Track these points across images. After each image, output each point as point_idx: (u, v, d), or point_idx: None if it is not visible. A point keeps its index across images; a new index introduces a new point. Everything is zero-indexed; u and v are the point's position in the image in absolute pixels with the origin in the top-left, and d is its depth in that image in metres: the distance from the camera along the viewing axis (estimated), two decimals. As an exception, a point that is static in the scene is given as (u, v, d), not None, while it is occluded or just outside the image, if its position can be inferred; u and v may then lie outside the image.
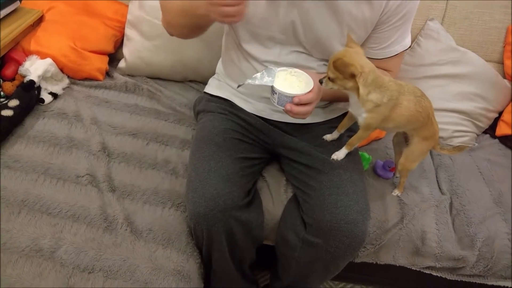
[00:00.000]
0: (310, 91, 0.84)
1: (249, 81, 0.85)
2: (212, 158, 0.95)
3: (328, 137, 1.02)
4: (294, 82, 0.86)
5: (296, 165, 1.02)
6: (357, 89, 0.84)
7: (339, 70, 0.82)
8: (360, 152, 1.13)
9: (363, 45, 0.98)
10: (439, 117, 0.99)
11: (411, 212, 1.08)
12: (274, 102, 0.86)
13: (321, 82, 0.87)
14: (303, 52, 0.96)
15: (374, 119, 0.88)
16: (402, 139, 1.05)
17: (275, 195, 1.05)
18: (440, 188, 1.17)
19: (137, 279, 0.82)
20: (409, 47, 1.01)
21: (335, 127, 1.04)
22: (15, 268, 0.79)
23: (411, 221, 1.07)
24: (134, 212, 0.93)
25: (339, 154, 0.97)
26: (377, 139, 1.29)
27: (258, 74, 0.85)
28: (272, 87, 0.85)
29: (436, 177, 1.20)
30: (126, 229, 0.89)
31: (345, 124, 1.00)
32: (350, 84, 0.84)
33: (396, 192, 1.11)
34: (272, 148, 1.07)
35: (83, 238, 0.86)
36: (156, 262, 0.86)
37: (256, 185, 1.03)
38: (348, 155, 0.98)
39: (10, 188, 0.92)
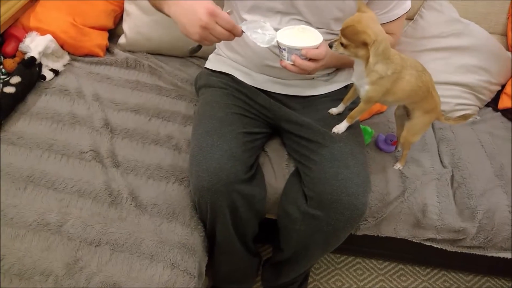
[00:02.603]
0: (318, 47, 0.84)
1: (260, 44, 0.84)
2: (214, 133, 0.95)
3: (333, 110, 1.02)
4: (301, 37, 0.85)
5: (297, 138, 1.03)
6: (367, 58, 0.81)
7: (350, 38, 0.80)
8: (362, 126, 1.13)
9: None
10: (441, 90, 0.98)
11: (413, 185, 1.09)
12: (284, 59, 0.86)
13: (330, 46, 0.85)
14: (302, 20, 0.95)
15: (376, 91, 0.87)
16: (404, 112, 1.05)
17: (277, 169, 1.06)
18: (441, 161, 1.17)
19: (143, 252, 0.84)
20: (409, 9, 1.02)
21: (336, 100, 1.04)
22: (24, 242, 0.81)
23: (412, 194, 1.08)
24: (138, 187, 0.95)
25: (340, 127, 0.97)
26: (379, 113, 1.29)
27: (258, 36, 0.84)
28: (278, 44, 0.84)
29: (438, 151, 1.21)
30: (131, 204, 0.91)
31: (350, 97, 0.99)
32: (362, 52, 0.81)
33: (398, 166, 1.11)
34: (274, 122, 1.07)
35: (89, 213, 0.88)
36: (161, 236, 0.88)
37: (258, 160, 1.04)
38: (349, 128, 0.98)
39: (16, 164, 0.93)
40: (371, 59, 0.81)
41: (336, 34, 0.98)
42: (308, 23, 0.93)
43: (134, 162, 0.99)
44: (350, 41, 0.80)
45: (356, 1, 0.92)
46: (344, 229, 0.97)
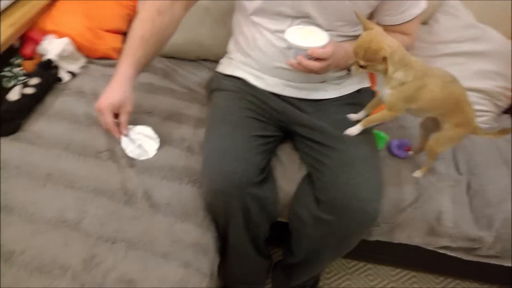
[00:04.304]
0: (324, 47, 0.85)
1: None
2: (227, 136, 0.96)
3: (353, 116, 1.01)
4: (310, 38, 0.87)
5: (309, 142, 1.03)
6: (386, 69, 0.83)
7: (371, 59, 0.82)
8: (375, 131, 1.13)
9: (378, 12, 0.97)
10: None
11: (427, 192, 1.08)
12: (290, 58, 0.88)
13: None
14: (312, 23, 0.96)
15: (397, 97, 0.87)
16: (432, 125, 1.02)
17: (288, 173, 1.07)
18: (457, 168, 1.16)
19: (157, 250, 0.85)
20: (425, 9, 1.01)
21: (348, 104, 1.04)
22: (43, 237, 0.82)
23: (427, 200, 1.07)
24: (152, 187, 0.96)
25: (353, 130, 0.97)
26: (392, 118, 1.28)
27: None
28: (287, 42, 0.87)
29: (454, 157, 1.19)
30: (145, 203, 0.92)
31: (373, 105, 0.99)
32: (381, 66, 0.83)
33: (418, 174, 1.10)
34: (286, 125, 1.08)
35: (105, 211, 0.89)
36: (175, 235, 0.89)
37: (270, 163, 1.05)
38: (361, 133, 0.97)
39: (35, 162, 0.95)
40: (389, 69, 0.82)
41: (345, 36, 0.99)
42: (318, 26, 0.94)
43: (148, 163, 1.01)
44: (370, 61, 0.83)
45: (362, 6, 0.93)
46: (355, 234, 0.97)
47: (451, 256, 1.14)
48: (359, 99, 1.08)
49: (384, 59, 0.81)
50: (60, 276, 0.78)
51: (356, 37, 1.00)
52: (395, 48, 0.81)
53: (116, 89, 0.95)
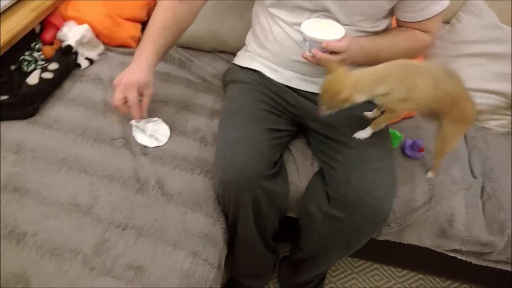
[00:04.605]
0: (340, 40, 0.85)
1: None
2: (241, 128, 0.96)
3: (369, 114, 1.00)
4: (325, 31, 0.86)
5: (323, 138, 1.02)
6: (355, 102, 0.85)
7: (335, 103, 0.84)
8: (391, 130, 1.12)
9: (398, 9, 0.95)
10: (475, 98, 0.94)
11: (440, 194, 1.07)
12: (305, 50, 0.88)
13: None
14: (331, 17, 0.95)
15: (390, 102, 0.87)
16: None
17: (301, 168, 1.06)
18: (472, 171, 1.14)
19: (167, 239, 0.86)
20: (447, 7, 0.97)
21: (365, 102, 1.03)
22: (56, 220, 0.84)
23: (439, 202, 1.06)
24: (165, 176, 0.97)
25: (362, 134, 0.96)
26: (408, 117, 1.27)
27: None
28: (302, 34, 0.86)
29: (469, 160, 1.18)
30: (157, 191, 0.93)
31: None
32: (348, 103, 0.84)
33: (430, 175, 1.09)
34: (300, 120, 1.07)
35: (117, 197, 0.90)
36: (185, 224, 0.89)
37: (282, 157, 1.04)
38: (377, 132, 0.96)
39: (51, 146, 0.97)
40: (359, 99, 0.84)
41: (364, 32, 0.98)
42: (337, 20, 0.93)
43: (161, 152, 1.01)
44: (334, 105, 0.85)
45: (381, 2, 0.92)
46: (366, 232, 0.96)
47: (460, 259, 1.12)
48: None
49: (346, 100, 0.82)
50: (71, 259, 0.79)
51: (375, 33, 0.99)
52: (360, 77, 0.83)
53: (142, 70, 0.95)
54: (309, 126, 1.06)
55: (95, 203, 0.88)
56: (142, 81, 0.94)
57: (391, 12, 0.98)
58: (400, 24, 1.01)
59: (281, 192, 0.99)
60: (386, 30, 1.02)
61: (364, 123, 0.97)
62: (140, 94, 0.96)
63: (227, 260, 0.99)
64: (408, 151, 1.14)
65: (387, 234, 1.09)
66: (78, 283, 0.76)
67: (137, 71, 0.95)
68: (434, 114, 0.95)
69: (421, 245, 1.12)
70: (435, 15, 0.96)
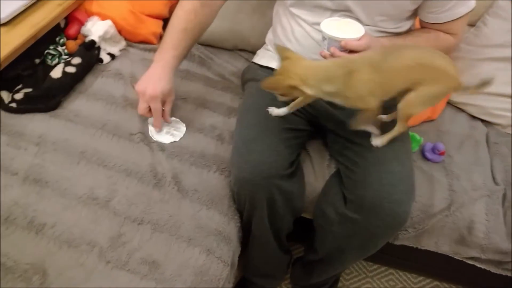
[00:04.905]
0: (360, 39, 0.83)
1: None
2: (258, 126, 0.96)
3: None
4: (345, 30, 0.85)
5: (340, 139, 1.01)
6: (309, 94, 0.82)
7: (286, 90, 0.82)
8: (410, 133, 1.10)
9: (423, 9, 0.93)
10: (499, 103, 0.90)
11: (460, 200, 1.04)
12: (324, 49, 0.87)
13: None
14: (352, 17, 0.93)
15: (345, 103, 0.85)
16: None
17: (317, 169, 1.05)
18: (494, 178, 1.11)
19: (182, 235, 0.86)
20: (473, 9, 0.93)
21: (384, 104, 1.01)
22: (74, 212, 0.86)
23: (459, 208, 1.03)
24: (181, 172, 0.97)
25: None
26: (428, 120, 1.24)
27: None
28: (322, 33, 0.85)
29: (491, 166, 1.14)
30: (174, 187, 0.93)
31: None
32: (299, 92, 0.82)
33: (377, 142, 0.94)
34: (318, 120, 1.06)
35: (134, 192, 0.91)
36: (200, 221, 0.90)
37: (299, 157, 1.03)
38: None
39: (71, 139, 0.99)
40: (308, 91, 0.81)
41: (385, 33, 0.96)
42: (358, 20, 0.91)
43: (179, 148, 1.02)
44: (286, 93, 0.83)
45: (405, 2, 0.90)
46: (383, 236, 0.95)
47: (479, 268, 1.10)
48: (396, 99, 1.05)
49: (294, 87, 0.81)
50: (87, 252, 0.80)
51: (397, 34, 0.97)
52: (307, 71, 0.81)
53: (164, 77, 0.97)
54: (326, 126, 1.05)
55: (113, 197, 0.89)
56: (165, 91, 0.97)
57: (414, 13, 0.96)
58: (424, 26, 0.99)
59: (297, 192, 0.99)
60: (408, 31, 1.00)
61: (384, 125, 0.96)
62: (163, 101, 0.98)
63: (240, 258, 0.99)
64: (428, 154, 1.12)
65: (404, 238, 1.07)
66: (93, 275, 0.77)
67: (160, 80, 0.96)
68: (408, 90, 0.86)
69: (439, 252, 1.09)
70: (461, 17, 0.93)
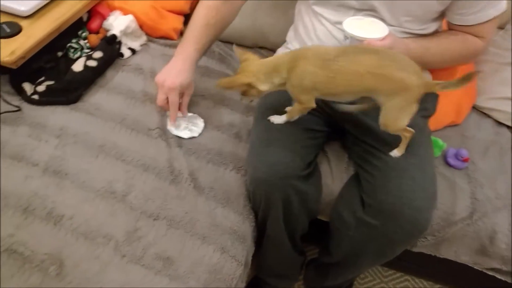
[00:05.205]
0: (383, 39, 0.81)
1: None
2: (275, 126, 0.95)
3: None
4: (368, 30, 0.82)
5: (360, 142, 0.99)
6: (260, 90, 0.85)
7: (237, 88, 0.86)
8: (433, 138, 1.07)
9: (450, 10, 0.90)
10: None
11: (483, 209, 1.01)
12: None
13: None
14: (377, 17, 0.91)
15: (291, 92, 0.86)
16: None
17: (335, 171, 1.04)
18: (519, 187, 1.07)
19: (196, 232, 0.86)
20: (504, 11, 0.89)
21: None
22: (92, 205, 0.86)
23: (481, 218, 1.00)
24: (198, 169, 0.97)
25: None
26: (452, 125, 1.20)
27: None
28: (344, 32, 0.83)
29: (517, 174, 1.10)
30: (190, 184, 0.93)
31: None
32: (255, 90, 0.85)
33: (395, 153, 0.92)
34: (337, 122, 1.04)
35: (151, 187, 0.91)
36: (215, 219, 0.89)
37: (317, 159, 1.02)
38: (419, 138, 0.91)
39: (91, 133, 1.00)
40: (262, 87, 0.84)
41: (410, 34, 0.93)
42: (382, 20, 0.89)
43: (196, 145, 1.02)
44: (241, 90, 0.86)
45: (432, 2, 0.87)
46: (401, 243, 0.93)
47: (499, 279, 1.06)
48: (421, 102, 1.01)
49: (249, 84, 0.83)
50: (103, 245, 0.81)
51: (423, 36, 0.94)
52: (259, 67, 0.84)
53: (184, 70, 0.97)
54: (346, 129, 1.03)
55: (130, 191, 0.89)
56: (184, 83, 0.97)
57: (441, 15, 0.93)
58: (451, 28, 0.96)
59: (313, 194, 0.97)
60: (434, 33, 0.97)
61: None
62: (182, 93, 0.98)
63: (254, 257, 0.98)
64: (451, 161, 1.08)
65: (423, 246, 1.04)
66: (108, 268, 0.78)
67: (180, 72, 0.97)
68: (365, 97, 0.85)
69: (458, 261, 1.06)
70: (490, 20, 0.89)
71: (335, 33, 0.96)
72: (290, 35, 1.14)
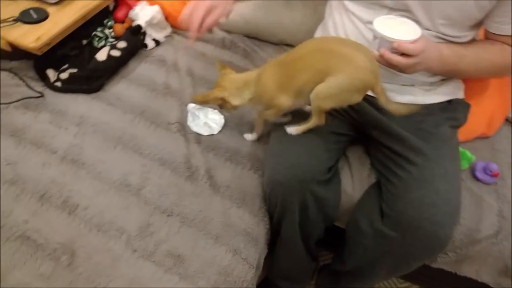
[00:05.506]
0: (414, 42, 0.76)
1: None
2: None
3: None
4: (399, 30, 0.77)
5: (384, 149, 0.95)
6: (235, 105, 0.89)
7: (212, 102, 0.89)
8: (461, 149, 1.02)
9: (490, 17, 0.84)
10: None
11: (510, 228, 0.95)
12: (374, 48, 0.80)
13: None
14: (411, 18, 0.85)
15: (262, 104, 0.90)
16: None
17: (356, 178, 1.00)
18: (550, 208, 1.01)
19: (209, 231, 0.85)
20: None
21: (437, 114, 0.94)
22: (106, 197, 0.86)
23: (507, 237, 0.95)
24: (215, 167, 0.95)
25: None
26: (483, 137, 1.14)
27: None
28: (373, 31, 0.78)
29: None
30: (206, 182, 0.92)
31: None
32: (230, 104, 0.89)
33: (293, 130, 0.92)
34: (361, 126, 1.00)
35: (166, 182, 0.90)
36: (229, 219, 0.88)
37: (338, 163, 0.99)
38: (446, 149, 0.88)
39: (111, 123, 0.99)
40: (235, 101, 0.89)
41: (445, 40, 0.88)
42: (417, 22, 0.84)
43: (215, 142, 1.00)
44: (217, 104, 0.90)
45: (470, 3, 0.82)
46: (419, 258, 0.89)
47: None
48: (450, 111, 0.97)
49: (222, 99, 0.88)
50: (116, 238, 0.80)
51: (459, 44, 0.89)
52: (231, 82, 0.88)
53: None
54: (370, 134, 0.99)
55: (145, 185, 0.89)
56: (214, 3, 0.89)
57: (478, 24, 0.88)
58: (489, 37, 0.90)
59: (332, 200, 0.94)
60: (470, 42, 0.92)
61: (432, 138, 0.89)
62: (208, 11, 0.90)
63: (266, 259, 0.96)
64: (479, 175, 1.03)
65: (443, 262, 1.00)
66: (119, 263, 0.77)
67: None
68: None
69: (479, 280, 1.01)
70: None
71: (365, 33, 0.92)
72: (318, 33, 1.11)
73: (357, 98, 0.80)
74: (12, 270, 0.74)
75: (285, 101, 0.86)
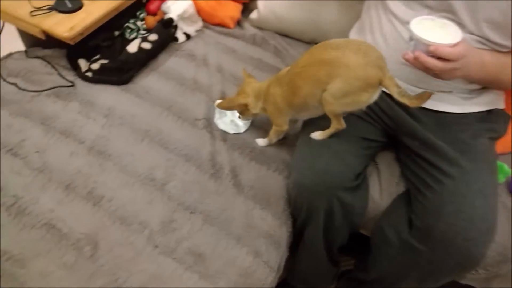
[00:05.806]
0: (453, 46, 0.71)
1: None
2: None
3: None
4: (438, 33, 0.72)
5: (417, 158, 0.91)
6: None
7: (240, 110, 0.94)
8: (499, 163, 0.96)
9: None
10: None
11: (548, 248, 0.90)
12: (409, 50, 0.75)
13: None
14: (454, 20, 0.81)
15: (271, 117, 0.93)
16: None
17: (384, 186, 0.96)
18: None
19: (231, 231, 0.84)
20: None
21: (476, 124, 0.89)
22: (131, 190, 0.86)
23: (544, 257, 0.90)
24: (240, 166, 0.94)
25: (261, 142, 1.01)
26: (522, 151, 1.09)
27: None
28: (410, 32, 0.73)
29: None
30: (230, 181, 0.90)
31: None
32: (250, 112, 0.93)
33: (316, 136, 0.90)
34: (393, 133, 0.97)
35: (191, 179, 0.89)
36: (252, 220, 0.86)
37: (366, 170, 0.96)
38: (483, 162, 0.83)
39: (139, 116, 0.99)
40: (255, 109, 0.93)
41: (487, 46, 0.83)
42: (460, 25, 0.79)
43: (241, 141, 0.99)
44: (240, 110, 0.95)
45: None
46: (447, 274, 0.85)
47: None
48: (490, 122, 0.92)
49: (246, 105, 0.92)
50: (138, 232, 0.80)
51: (504, 53, 0.84)
52: (252, 89, 0.92)
53: None
54: (402, 141, 0.95)
55: (169, 181, 0.88)
56: None
57: None
58: None
59: (359, 208, 0.91)
60: None
61: (470, 149, 0.84)
62: None
63: (286, 261, 0.94)
64: (516, 191, 0.98)
65: (472, 279, 0.95)
66: (140, 257, 0.77)
67: None
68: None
69: (509, 300, 0.96)
70: None
71: (404, 34, 0.88)
72: (352, 33, 1.07)
73: (367, 97, 0.78)
74: (36, 257, 0.74)
75: (283, 123, 0.92)
